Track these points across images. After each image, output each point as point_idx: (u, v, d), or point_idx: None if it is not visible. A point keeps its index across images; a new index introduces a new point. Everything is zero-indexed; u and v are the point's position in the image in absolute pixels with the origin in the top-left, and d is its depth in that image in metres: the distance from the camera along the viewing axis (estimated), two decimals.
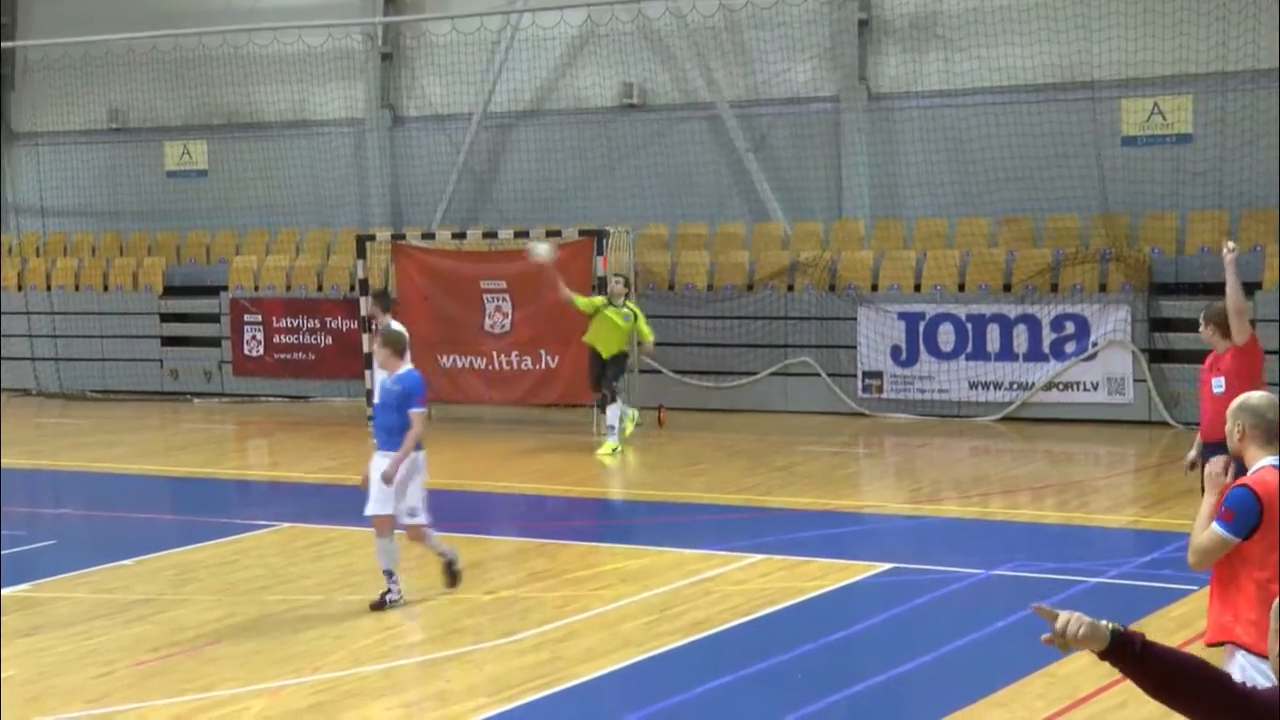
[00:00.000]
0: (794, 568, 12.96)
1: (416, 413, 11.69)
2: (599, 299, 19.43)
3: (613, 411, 19.05)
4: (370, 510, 11.82)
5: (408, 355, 12.09)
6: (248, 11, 26.14)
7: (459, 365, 22.06)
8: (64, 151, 27.97)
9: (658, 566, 13.14)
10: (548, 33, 24.46)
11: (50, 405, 24.94)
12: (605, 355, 19.13)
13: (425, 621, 11.56)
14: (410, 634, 11.29)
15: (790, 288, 22.25)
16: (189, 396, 24.88)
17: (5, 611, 12.08)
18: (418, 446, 11.75)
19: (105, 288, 26.22)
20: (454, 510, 16.23)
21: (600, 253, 20.80)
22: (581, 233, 21.35)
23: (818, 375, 21.82)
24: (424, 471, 11.91)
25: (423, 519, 11.87)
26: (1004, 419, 20.82)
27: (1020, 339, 20.82)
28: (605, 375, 19.13)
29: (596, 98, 24.41)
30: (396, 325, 14.26)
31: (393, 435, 11.73)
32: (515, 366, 21.71)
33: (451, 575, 12.13)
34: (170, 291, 25.79)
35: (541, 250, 16.37)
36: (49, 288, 26.48)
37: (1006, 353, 20.90)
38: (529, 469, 18.55)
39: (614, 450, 18.92)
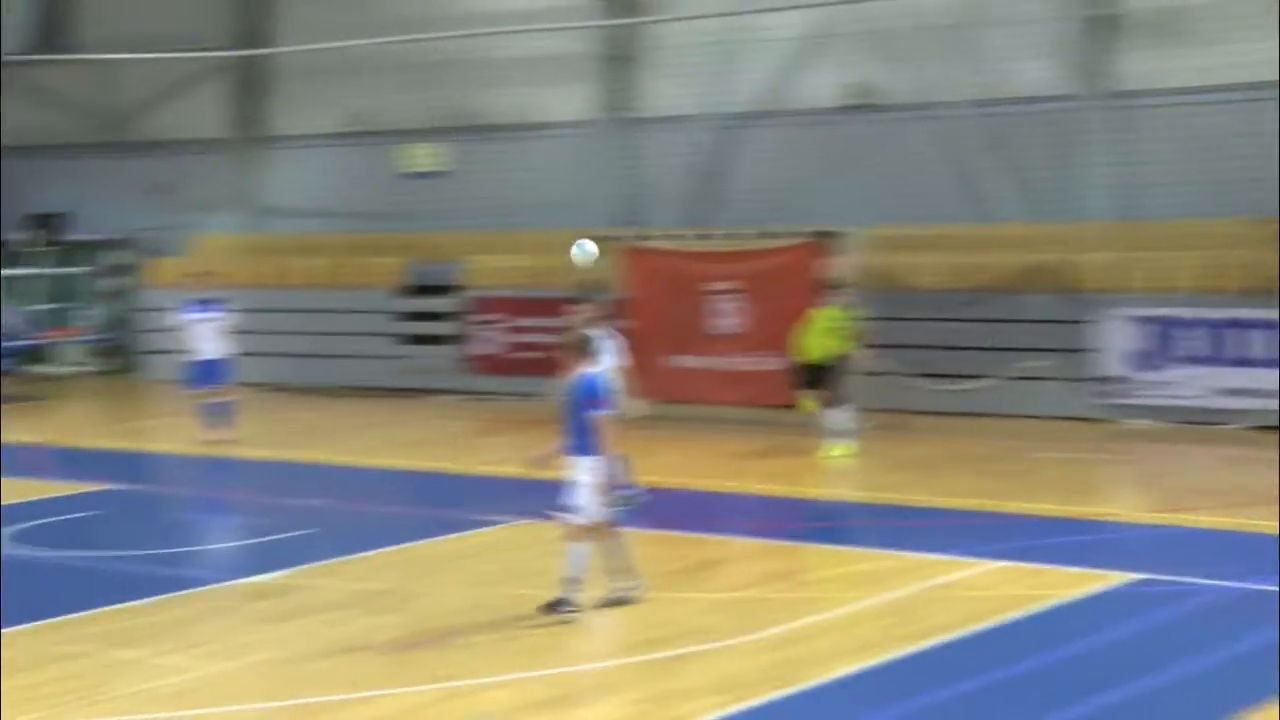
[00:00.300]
0: (1035, 575, 12.69)
1: (596, 415, 11.47)
2: (829, 309, 19.30)
3: (840, 414, 18.91)
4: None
5: (597, 358, 11.92)
6: (484, 15, 26.56)
7: (688, 365, 22.12)
8: (310, 154, 28.82)
9: (895, 570, 12.98)
10: (778, 33, 24.41)
11: (292, 400, 25.62)
12: (822, 359, 18.98)
13: (659, 619, 11.57)
14: (644, 631, 11.31)
15: (1024, 290, 21.83)
16: (426, 393, 25.35)
17: (260, 597, 12.47)
18: (600, 450, 11.47)
19: (345, 286, 26.87)
20: (687, 510, 16.31)
21: (831, 254, 20.70)
22: (811, 234, 21.28)
23: (1053, 380, 21.36)
24: (603, 474, 11.54)
25: (582, 519, 11.49)
26: (1253, 427, 20.09)
27: (1271, 344, 20.07)
28: (827, 378, 18.99)
29: (826, 98, 24.28)
30: (594, 328, 14.11)
31: (574, 438, 11.51)
32: (746, 367, 21.68)
33: (556, 601, 11.46)
34: (408, 290, 26.34)
35: (590, 249, 15.03)
36: (293, 286, 27.22)
37: (1255, 358, 20.17)
38: (761, 469, 18.50)
39: (844, 453, 18.78)
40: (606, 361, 11.99)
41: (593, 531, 11.61)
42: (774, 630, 11.17)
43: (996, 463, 18.51)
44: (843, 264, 20.81)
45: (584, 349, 11.79)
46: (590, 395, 11.48)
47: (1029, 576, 12.64)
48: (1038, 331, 21.59)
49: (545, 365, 24.32)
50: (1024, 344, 21.61)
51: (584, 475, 11.48)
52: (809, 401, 19.17)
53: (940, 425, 21.13)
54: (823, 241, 21.12)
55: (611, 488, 11.66)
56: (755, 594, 12.46)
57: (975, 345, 21.94)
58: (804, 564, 13.84)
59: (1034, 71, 22.92)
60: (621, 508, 11.86)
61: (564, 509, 11.60)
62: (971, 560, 13.14)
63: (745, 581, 12.97)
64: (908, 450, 19.55)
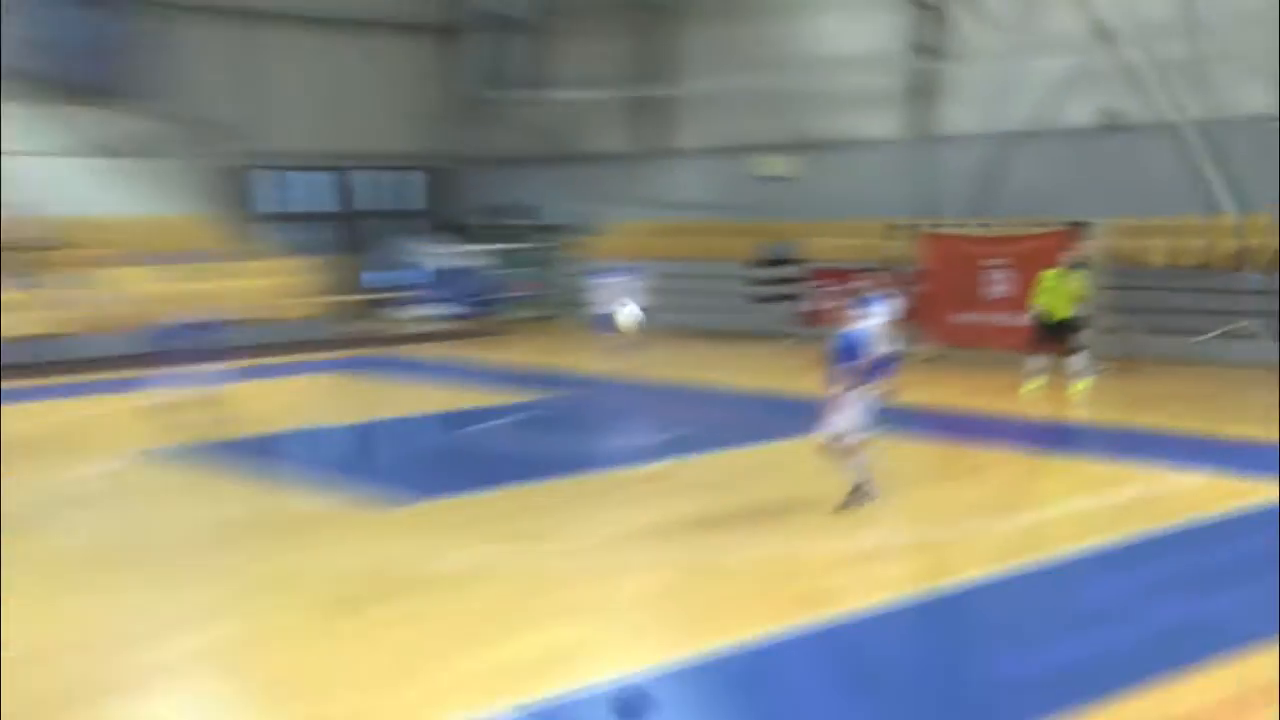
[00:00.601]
0: (1249, 483, 11.77)
1: (847, 365, 10.75)
2: (1055, 271, 18.22)
3: (1079, 359, 17.99)
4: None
5: (866, 316, 11.25)
6: (823, 58, 26.14)
7: (968, 320, 21.44)
8: (694, 163, 28.98)
9: (1125, 476, 12.36)
10: (1046, 69, 23.13)
11: (677, 340, 25.67)
12: (1061, 316, 17.93)
13: (938, 505, 11.36)
14: (926, 514, 10.95)
15: (1236, 268, 20.13)
16: (771, 337, 25.16)
17: (643, 481, 12.50)
18: (852, 389, 10.77)
19: (715, 259, 26.86)
20: (961, 426, 15.78)
21: (1081, 239, 19.61)
22: (1066, 223, 20.17)
23: (1257, 338, 19.67)
24: (855, 407, 10.84)
25: (843, 443, 10.93)
26: None
27: None
28: (1068, 332, 17.93)
29: (1082, 120, 22.88)
30: (876, 291, 13.52)
31: (833, 380, 10.88)
32: (1012, 323, 20.75)
33: (853, 497, 11.00)
34: (759, 263, 26.16)
35: (629, 315, 13.47)
36: (678, 258, 27.34)
37: None
38: (1019, 397, 17.71)
39: (1085, 387, 17.80)
40: (877, 318, 11.29)
41: (849, 449, 11.05)
42: (1024, 516, 10.68)
43: (1215, 398, 17.20)
44: (1089, 246, 19.62)
45: (855, 307, 11.25)
46: (847, 349, 10.85)
47: (1244, 484, 11.80)
48: (1247, 300, 19.92)
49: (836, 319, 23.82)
50: (1236, 309, 19.95)
51: (841, 409, 10.89)
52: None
53: (1166, 370, 19.74)
54: (1075, 229, 19.97)
55: (862, 419, 10.98)
56: (1011, 490, 11.92)
57: (1196, 308, 20.38)
58: (1050, 469, 13.21)
59: (1249, 95, 21.01)
60: (872, 429, 11.17)
61: (825, 435, 11.04)
62: (1193, 470, 12.31)
63: (1003, 479, 12.41)
64: (1139, 387, 18.42)
